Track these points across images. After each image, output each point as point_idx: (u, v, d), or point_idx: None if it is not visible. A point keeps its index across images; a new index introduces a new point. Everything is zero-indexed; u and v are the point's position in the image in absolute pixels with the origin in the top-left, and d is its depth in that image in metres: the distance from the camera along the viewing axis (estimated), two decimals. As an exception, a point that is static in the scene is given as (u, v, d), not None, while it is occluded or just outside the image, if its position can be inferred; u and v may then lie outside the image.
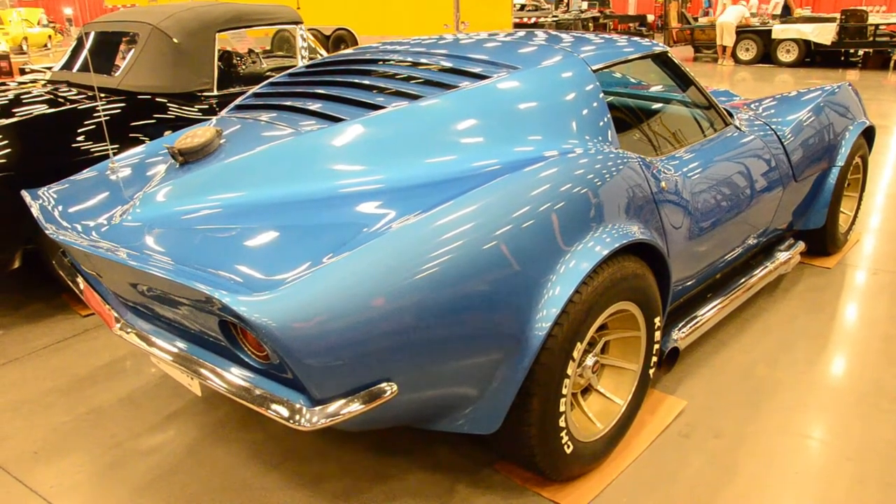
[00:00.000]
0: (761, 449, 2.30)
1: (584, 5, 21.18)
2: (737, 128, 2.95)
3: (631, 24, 20.74)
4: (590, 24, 19.00)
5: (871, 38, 12.04)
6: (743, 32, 13.32)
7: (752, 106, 3.51)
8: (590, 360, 2.09)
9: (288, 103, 2.29)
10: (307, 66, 2.70)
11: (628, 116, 2.71)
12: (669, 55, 2.70)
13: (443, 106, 2.06)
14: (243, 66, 5.00)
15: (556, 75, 2.24)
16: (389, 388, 1.59)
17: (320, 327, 1.46)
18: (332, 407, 1.54)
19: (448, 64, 2.34)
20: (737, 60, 13.49)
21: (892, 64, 12.25)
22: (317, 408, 1.53)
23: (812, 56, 12.78)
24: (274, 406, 1.57)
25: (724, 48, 13.49)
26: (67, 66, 4.23)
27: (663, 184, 2.26)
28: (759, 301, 3.35)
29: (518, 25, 15.81)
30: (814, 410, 2.51)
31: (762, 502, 2.07)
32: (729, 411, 2.50)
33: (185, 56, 3.80)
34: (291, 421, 1.52)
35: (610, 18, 20.60)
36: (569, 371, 1.88)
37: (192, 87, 3.84)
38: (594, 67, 2.31)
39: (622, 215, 2.04)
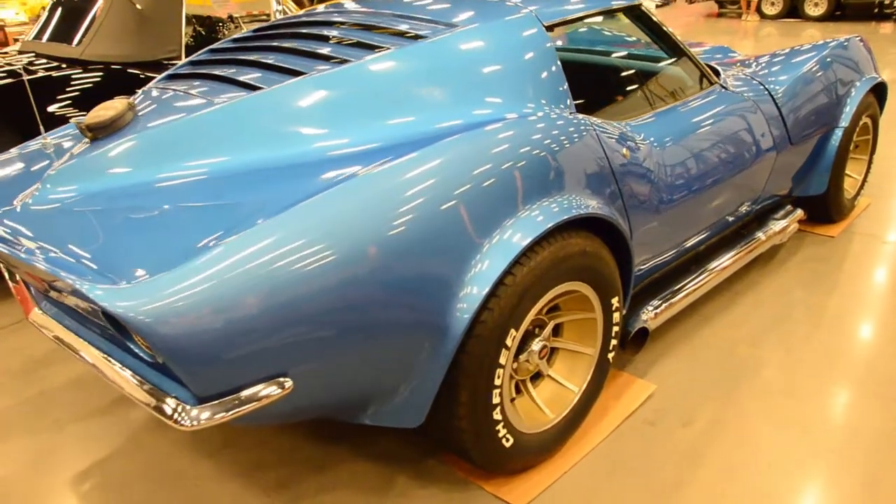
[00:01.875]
0: (732, 438, 2.12)
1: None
2: (723, 87, 2.71)
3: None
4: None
5: (905, -11, 11.40)
6: (769, -15, 12.72)
7: (749, 63, 3.25)
8: (537, 346, 1.92)
9: (219, 72, 2.12)
10: (253, 31, 2.52)
11: (593, 77, 2.50)
12: (643, 8, 2.47)
13: (364, 71, 1.87)
14: (224, 33, 4.82)
15: (504, 32, 2.03)
16: (283, 384, 1.44)
17: (198, 321, 1.32)
18: (217, 405, 1.40)
19: (388, 25, 2.15)
20: (762, 15, 12.91)
21: (928, 16, 11.61)
22: (200, 406, 1.40)
23: (843, 9, 12.16)
24: (157, 402, 1.43)
25: (749, 2, 12.91)
26: (38, 35, 4.09)
27: (625, 151, 2.06)
28: (752, 273, 3.14)
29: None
30: (797, 395, 2.32)
31: (726, 497, 1.90)
32: (703, 396, 2.32)
33: (149, 22, 3.64)
34: (173, 420, 1.39)
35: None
36: (502, 360, 1.72)
37: (158, 55, 3.68)
38: (548, 23, 2.10)
39: (571, 187, 1.85)
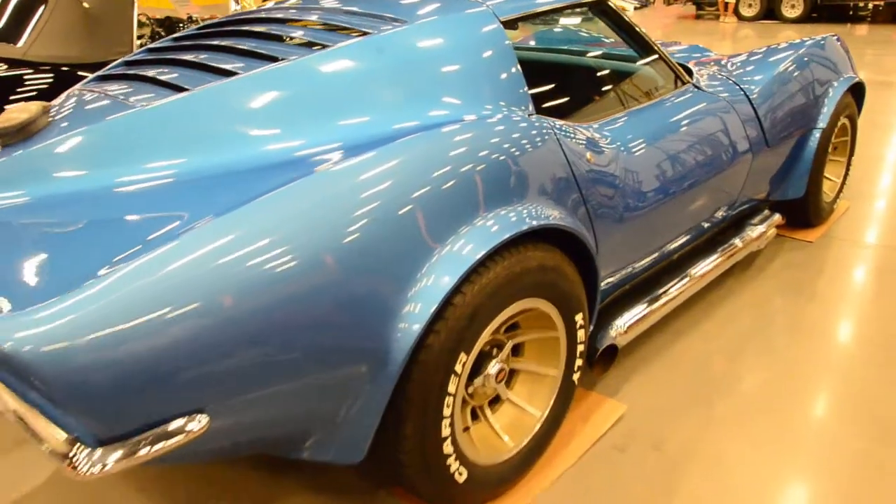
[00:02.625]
0: (707, 460, 1.98)
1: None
2: (696, 87, 2.57)
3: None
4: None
5: (880, -10, 11.44)
6: (746, -13, 12.72)
7: (723, 63, 3.13)
8: (493, 368, 1.76)
9: (152, 73, 1.94)
10: (196, 29, 2.35)
11: (558, 77, 2.35)
12: (609, 4, 2.32)
13: (309, 68, 1.71)
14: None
15: (457, 27, 1.88)
16: (199, 421, 1.27)
17: (93, 354, 1.14)
18: (121, 447, 1.22)
19: (331, 21, 1.99)
20: (740, 17, 12.90)
21: (903, 17, 11.66)
22: (99, 450, 1.22)
23: (819, 11, 12.18)
24: (50, 444, 1.26)
25: (727, 4, 12.90)
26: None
27: (589, 156, 1.91)
28: (729, 281, 3.00)
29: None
30: (775, 412, 2.18)
31: (699, 531, 1.76)
32: (676, 416, 2.17)
33: (97, 21, 3.45)
34: (66, 465, 1.22)
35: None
36: (451, 388, 1.56)
37: (108, 57, 3.48)
38: (505, 18, 1.94)
39: (530, 195, 1.70)
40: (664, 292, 2.37)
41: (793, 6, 12.20)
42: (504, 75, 1.86)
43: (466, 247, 1.52)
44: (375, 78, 1.73)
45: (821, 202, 3.40)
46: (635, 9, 16.48)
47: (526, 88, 1.89)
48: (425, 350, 1.48)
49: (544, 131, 1.79)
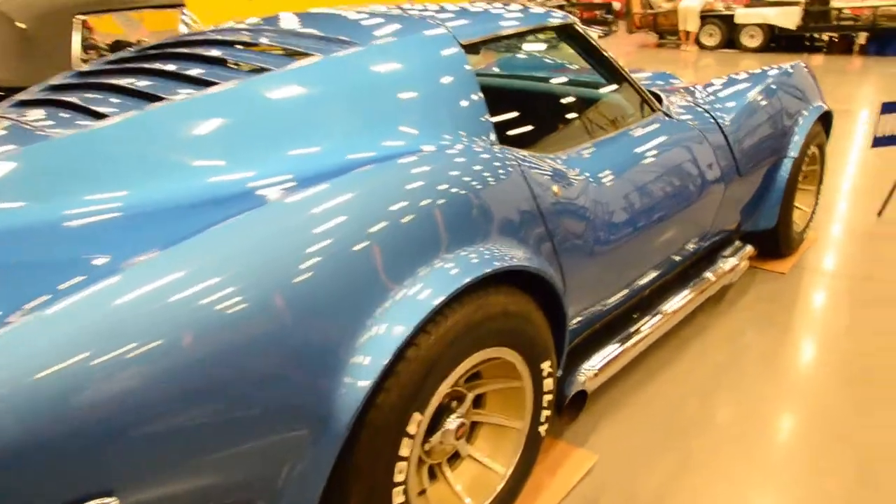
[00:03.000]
0: (686, 519, 1.83)
1: (550, -7, 20.68)
2: (666, 115, 2.46)
3: (597, 12, 20.25)
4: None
5: (835, 22, 11.68)
6: (706, 17, 12.90)
7: (693, 90, 3.04)
8: (453, 423, 1.59)
9: (76, 99, 1.76)
10: (134, 51, 2.17)
11: (523, 104, 2.23)
12: (576, 27, 2.20)
13: (253, 93, 1.55)
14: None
15: (415, 51, 1.73)
16: (103, 507, 1.08)
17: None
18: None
19: (281, 43, 1.83)
20: (701, 46, 13.07)
21: (855, 48, 11.90)
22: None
23: (777, 41, 12.39)
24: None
25: (688, 33, 13.06)
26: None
27: (555, 189, 1.77)
28: (700, 317, 2.88)
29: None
30: (750, 450, 2.04)
31: None
32: (648, 462, 2.02)
33: (33, 43, 3.25)
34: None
35: (575, 6, 20.11)
36: (404, 452, 1.39)
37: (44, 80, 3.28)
38: (466, 42, 1.81)
39: (492, 232, 1.55)
40: (635, 331, 2.23)
41: (752, 36, 12.40)
42: (465, 102, 1.72)
43: (423, 292, 1.36)
44: (327, 104, 1.57)
45: (792, 232, 3.31)
46: (599, 37, 16.64)
47: (488, 116, 1.74)
48: (374, 410, 1.31)
49: (508, 163, 1.65)
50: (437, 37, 1.77)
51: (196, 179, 1.41)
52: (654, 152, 2.24)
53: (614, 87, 2.37)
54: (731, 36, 12.61)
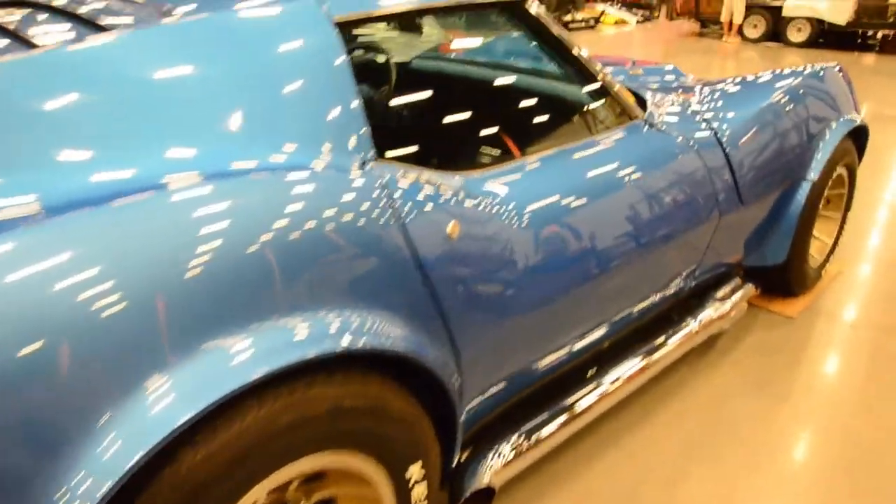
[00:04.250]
0: None
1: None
2: (648, 123, 1.95)
3: (637, -5, 19.32)
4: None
5: (891, 19, 10.82)
6: (752, 7, 12.09)
7: (696, 89, 2.50)
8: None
9: None
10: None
11: (436, 100, 1.73)
12: (526, 6, 1.69)
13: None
14: None
15: (256, 25, 1.25)
16: None
17: None
18: None
19: (82, 9, 1.36)
20: (744, 37, 12.28)
21: (913, 49, 11.06)
22: None
23: (826, 36, 11.56)
24: None
25: (731, 24, 12.27)
26: None
27: (450, 228, 1.28)
28: (682, 369, 2.38)
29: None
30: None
31: None
32: (575, 587, 1.55)
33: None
34: None
35: (613, -11, 19.22)
36: None
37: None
38: (341, 18, 1.31)
39: (329, 294, 1.08)
40: (575, 402, 1.74)
41: (799, 30, 11.59)
42: (328, 102, 1.24)
43: (179, 396, 0.90)
44: (105, 99, 1.10)
45: (806, 268, 2.78)
46: (638, 22, 15.89)
47: (363, 121, 1.26)
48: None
49: (376, 193, 1.17)
50: (300, 7, 1.28)
51: None
52: (621, 173, 1.73)
53: (576, 86, 1.85)
54: (776, 28, 11.80)
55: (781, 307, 2.78)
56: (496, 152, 1.57)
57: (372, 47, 2.15)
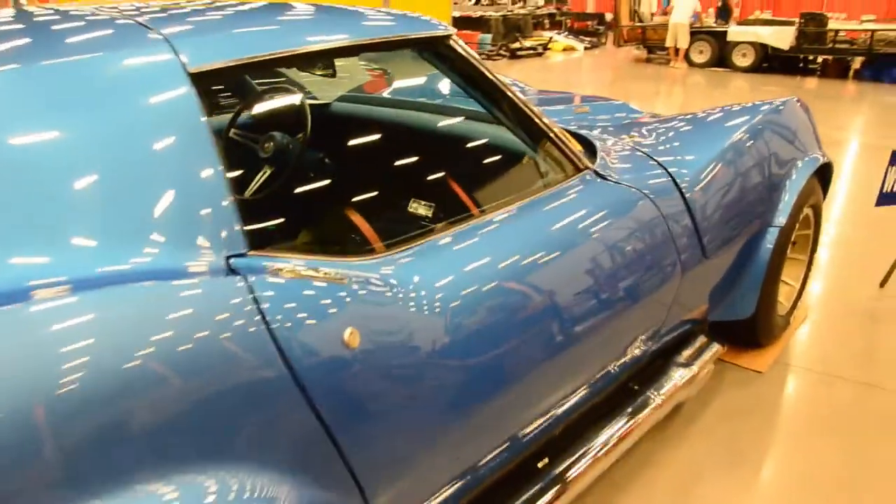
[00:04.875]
0: None
1: (541, 1, 19.89)
2: (599, 175, 1.70)
3: (589, 22, 19.48)
4: (545, 21, 17.82)
5: (830, 45, 10.99)
6: (697, 33, 12.19)
7: (650, 129, 2.27)
8: None
9: None
10: None
11: (339, 160, 1.44)
12: (452, 44, 1.42)
13: None
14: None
15: (101, 83, 0.95)
16: None
17: None
18: None
19: None
20: (690, 63, 12.36)
21: (851, 73, 11.23)
22: None
23: (770, 61, 11.70)
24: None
25: (678, 49, 12.35)
26: None
27: (349, 334, 0.98)
28: (643, 442, 2.11)
29: (460, 20, 14.43)
30: None
31: None
32: None
33: None
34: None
35: (566, 16, 19.36)
36: None
37: None
38: (198, 69, 1.01)
39: (221, 452, 0.78)
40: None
41: (744, 55, 11.71)
42: (185, 179, 0.94)
43: None
44: None
45: (774, 318, 2.56)
46: (586, 49, 15.98)
47: (231, 201, 0.96)
48: None
49: (241, 301, 0.87)
50: (153, 61, 0.97)
51: None
52: (568, 237, 1.47)
53: (513, 136, 1.57)
54: (722, 54, 11.92)
55: (749, 361, 2.55)
56: (411, 226, 1.28)
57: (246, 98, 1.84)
